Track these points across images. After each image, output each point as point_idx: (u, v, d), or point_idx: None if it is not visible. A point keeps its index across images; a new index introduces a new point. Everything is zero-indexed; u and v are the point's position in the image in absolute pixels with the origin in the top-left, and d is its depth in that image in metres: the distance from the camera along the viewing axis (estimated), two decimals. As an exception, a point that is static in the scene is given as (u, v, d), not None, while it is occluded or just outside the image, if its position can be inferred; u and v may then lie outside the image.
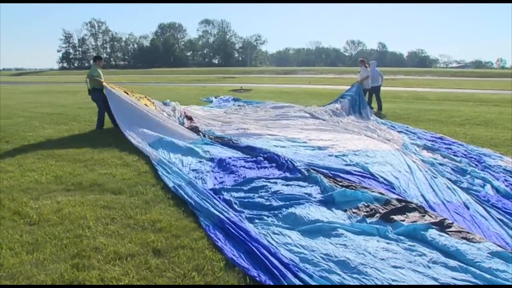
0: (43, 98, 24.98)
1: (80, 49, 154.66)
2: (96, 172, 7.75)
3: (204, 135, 10.64)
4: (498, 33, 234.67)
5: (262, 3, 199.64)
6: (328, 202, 5.87)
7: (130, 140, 10.07)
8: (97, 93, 12.47)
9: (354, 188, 6.27)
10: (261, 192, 6.29)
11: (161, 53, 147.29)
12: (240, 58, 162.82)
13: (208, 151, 8.84)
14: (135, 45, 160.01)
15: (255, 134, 10.86)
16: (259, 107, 17.44)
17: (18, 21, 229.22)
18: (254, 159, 8.18)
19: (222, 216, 5.26)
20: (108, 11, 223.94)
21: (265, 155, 8.28)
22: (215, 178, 7.12)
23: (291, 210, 5.50)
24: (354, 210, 5.55)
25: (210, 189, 6.41)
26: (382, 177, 7.09)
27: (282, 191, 6.23)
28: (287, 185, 6.60)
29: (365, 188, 6.30)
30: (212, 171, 7.57)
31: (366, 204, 5.67)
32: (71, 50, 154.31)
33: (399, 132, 11.74)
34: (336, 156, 8.53)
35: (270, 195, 6.11)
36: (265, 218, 5.34)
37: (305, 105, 18.67)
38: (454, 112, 17.17)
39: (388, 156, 8.58)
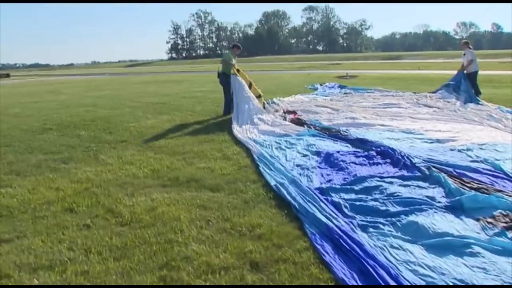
0: (150, 88, 25.67)
1: (187, 39, 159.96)
2: (195, 166, 7.38)
3: (310, 126, 9.98)
4: None
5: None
6: (455, 208, 4.97)
7: (233, 132, 9.72)
8: (226, 77, 12.65)
9: (486, 191, 5.33)
10: (375, 193, 5.52)
11: (266, 41, 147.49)
12: (344, 44, 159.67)
13: (314, 144, 8.16)
14: (240, 34, 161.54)
15: (365, 124, 10.02)
16: (367, 94, 16.48)
17: (131, 16, 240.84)
18: (366, 153, 7.37)
19: (330, 224, 4.57)
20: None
21: (378, 149, 7.45)
22: (322, 176, 6.43)
23: (411, 218, 4.69)
24: (490, 220, 4.61)
25: (316, 188, 5.75)
26: (519, 177, 6.04)
27: (399, 193, 5.41)
28: (405, 185, 5.74)
29: (500, 191, 5.34)
30: (319, 166, 6.88)
31: (504, 213, 4.71)
32: (179, 41, 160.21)
33: (531, 122, 10.37)
34: (459, 151, 7.49)
35: (385, 197, 5.33)
36: (381, 226, 4.58)
37: (415, 91, 17.43)
38: None
39: (523, 151, 7.44)
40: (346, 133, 8.95)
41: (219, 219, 5.02)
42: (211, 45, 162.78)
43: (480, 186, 5.55)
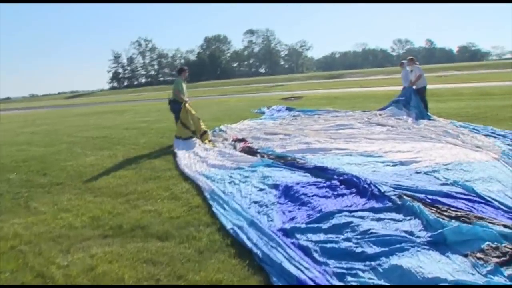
0: (90, 120, 24.45)
1: (129, 67, 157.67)
2: (140, 209, 6.56)
3: (263, 155, 9.29)
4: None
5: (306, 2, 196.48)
6: (438, 243, 4.37)
7: (180, 166, 8.98)
8: (177, 105, 12.18)
9: (467, 219, 4.80)
10: (346, 232, 4.85)
11: (208, 66, 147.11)
12: (286, 66, 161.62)
13: (270, 176, 7.42)
14: (182, 60, 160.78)
15: (321, 149, 9.42)
16: (316, 116, 16.07)
17: (69, 45, 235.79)
18: (328, 183, 6.69)
19: (302, 276, 3.90)
20: (154, 28, 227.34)
21: (341, 178, 6.79)
22: (283, 213, 5.73)
23: (394, 260, 4.04)
24: (479, 255, 4.05)
25: (279, 230, 5.06)
26: (495, 199, 5.54)
27: (374, 230, 4.75)
28: (378, 219, 5.10)
29: (482, 218, 4.82)
30: (279, 202, 6.17)
31: (493, 245, 4.17)
32: (120, 70, 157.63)
33: (486, 136, 10.08)
34: (425, 173, 6.98)
35: (359, 236, 4.67)
36: (360, 273, 3.92)
37: (364, 110, 17.20)
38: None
39: (489, 169, 7.00)
40: (303, 161, 8.27)
41: (170, 277, 4.27)
42: (153, 72, 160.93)
43: (459, 213, 5.02)
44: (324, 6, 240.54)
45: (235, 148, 10.67)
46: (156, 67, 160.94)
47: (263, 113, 20.38)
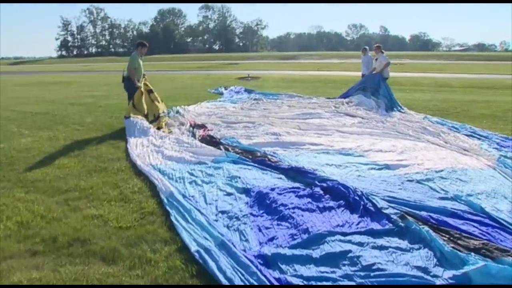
0: (32, 92, 22.16)
1: (78, 36, 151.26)
2: (81, 213, 5.32)
3: (227, 148, 8.13)
4: (500, 15, 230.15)
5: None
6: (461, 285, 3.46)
7: (131, 156, 7.74)
8: (131, 82, 10.90)
9: (488, 253, 3.92)
10: (344, 265, 3.82)
11: (161, 40, 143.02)
12: (241, 44, 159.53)
13: (239, 176, 6.29)
14: (135, 32, 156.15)
15: (292, 144, 8.38)
16: (279, 101, 15.07)
17: (17, 9, 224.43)
18: (309, 191, 5.62)
19: None
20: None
21: (324, 185, 5.77)
22: (260, 230, 4.64)
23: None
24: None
25: (258, 256, 4.00)
26: (510, 223, 4.65)
27: (380, 265, 3.75)
28: (381, 248, 4.10)
29: (505, 251, 3.94)
30: (252, 214, 5.07)
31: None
32: (69, 38, 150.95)
33: (467, 136, 9.31)
34: (418, 182, 6.05)
35: (362, 273, 3.65)
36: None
37: (328, 97, 16.35)
38: (503, 103, 14.74)
39: (489, 180, 6.19)
40: (275, 159, 7.17)
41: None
42: (104, 42, 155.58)
43: (477, 244, 4.08)
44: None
45: (194, 135, 9.52)
46: (107, 37, 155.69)
47: (221, 94, 19.17)
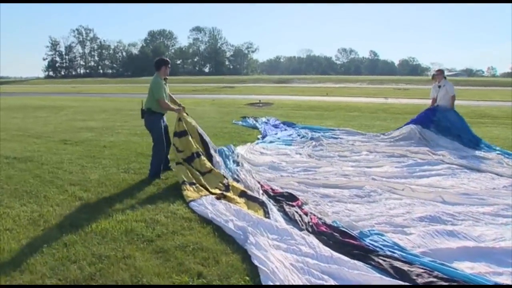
0: (14, 120, 17.97)
1: (67, 57, 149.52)
2: None
3: (397, 270, 4.04)
4: (488, 41, 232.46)
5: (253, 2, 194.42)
6: None
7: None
8: (156, 118, 7.79)
9: None
10: None
11: (151, 61, 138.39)
12: (231, 66, 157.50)
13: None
14: (124, 53, 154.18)
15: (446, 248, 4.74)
16: (345, 140, 11.94)
17: (4, 28, 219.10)
18: None
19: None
20: (97, 18, 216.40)
21: None
22: None
23: None
24: None
25: None
26: None
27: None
28: None
29: None
30: None
31: None
32: (57, 58, 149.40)
33: None
34: None
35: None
36: None
37: (382, 132, 13.09)
38: None
39: None
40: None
41: None
42: (92, 63, 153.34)
43: None
44: (271, 9, 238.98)
45: (294, 219, 5.49)
46: (96, 58, 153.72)
47: (253, 127, 15.18)
